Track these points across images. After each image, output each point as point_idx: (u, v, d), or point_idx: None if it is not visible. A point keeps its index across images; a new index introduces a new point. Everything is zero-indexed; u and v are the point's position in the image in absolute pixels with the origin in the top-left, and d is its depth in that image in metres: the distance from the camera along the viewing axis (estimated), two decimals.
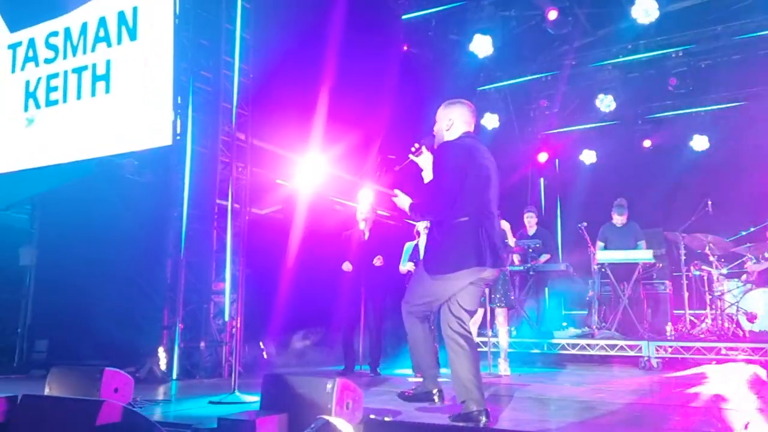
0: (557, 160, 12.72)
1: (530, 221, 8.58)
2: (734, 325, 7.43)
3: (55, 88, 6.84)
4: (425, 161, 3.74)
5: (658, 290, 8.64)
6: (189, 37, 6.51)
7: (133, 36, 6.38)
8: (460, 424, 3.36)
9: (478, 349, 6.17)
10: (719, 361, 6.73)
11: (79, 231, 6.97)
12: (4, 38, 7.32)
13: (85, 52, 6.69)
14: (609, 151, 11.56)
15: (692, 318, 7.91)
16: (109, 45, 6.54)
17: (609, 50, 9.66)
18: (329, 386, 3.02)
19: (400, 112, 8.37)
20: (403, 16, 9.22)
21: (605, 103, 10.20)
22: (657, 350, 6.88)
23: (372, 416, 3.49)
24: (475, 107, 3.79)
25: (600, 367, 7.39)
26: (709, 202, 7.70)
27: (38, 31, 7.06)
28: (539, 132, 12.07)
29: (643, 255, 7.62)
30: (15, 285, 7.61)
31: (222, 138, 6.64)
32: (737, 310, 7.51)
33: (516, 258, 8.02)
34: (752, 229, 8.05)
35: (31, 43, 7.10)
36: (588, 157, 11.89)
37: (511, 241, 6.44)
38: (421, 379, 3.89)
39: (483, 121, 10.85)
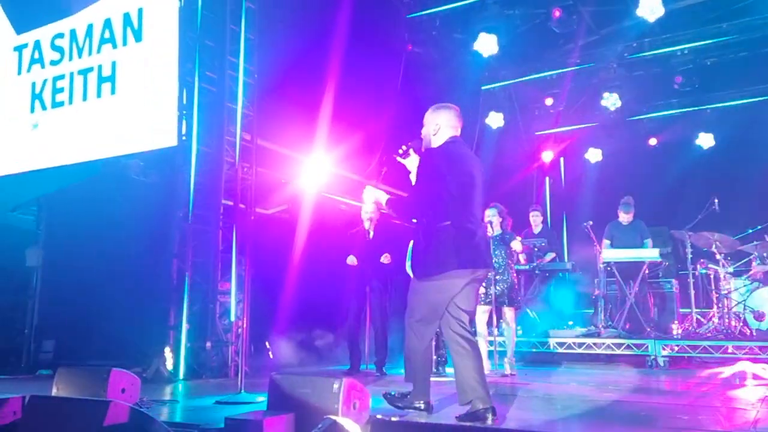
0: (562, 159, 12.71)
1: (535, 220, 8.56)
2: (741, 324, 7.39)
3: (61, 90, 6.87)
4: (412, 163, 3.82)
5: (664, 289, 8.61)
6: (194, 38, 6.52)
7: (138, 37, 6.40)
8: (468, 423, 3.36)
9: (488, 348, 6.21)
10: (726, 360, 6.70)
11: (86, 232, 6.99)
12: (11, 40, 7.35)
13: (90, 53, 6.71)
14: (614, 150, 11.54)
15: (699, 316, 7.87)
16: (115, 46, 6.57)
17: (614, 48, 9.63)
18: (336, 386, 3.02)
19: (405, 112, 8.36)
20: (408, 16, 9.21)
21: (610, 101, 10.18)
22: (663, 349, 6.86)
23: (379, 416, 3.49)
24: (460, 111, 3.86)
25: (606, 366, 7.37)
26: (716, 200, 7.66)
27: (44, 33, 7.09)
28: (544, 131, 12.05)
29: (649, 253, 7.60)
30: (22, 286, 7.65)
31: (227, 138, 6.65)
32: (744, 309, 7.48)
33: (521, 257, 8.00)
34: (759, 227, 8.01)
35: (37, 45, 7.13)
36: (593, 155, 11.87)
37: (518, 245, 6.44)
38: None
39: (488, 120, 10.85)
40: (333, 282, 6.97)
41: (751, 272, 7.75)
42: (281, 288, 7.28)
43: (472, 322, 3.70)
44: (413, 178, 3.80)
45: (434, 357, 5.93)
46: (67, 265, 7.20)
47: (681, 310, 8.39)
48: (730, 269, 7.80)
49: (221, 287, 6.49)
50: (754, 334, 7.22)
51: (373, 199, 3.87)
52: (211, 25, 6.70)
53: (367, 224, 6.70)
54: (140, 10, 6.44)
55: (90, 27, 6.75)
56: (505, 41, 8.79)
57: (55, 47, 7.00)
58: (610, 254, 7.72)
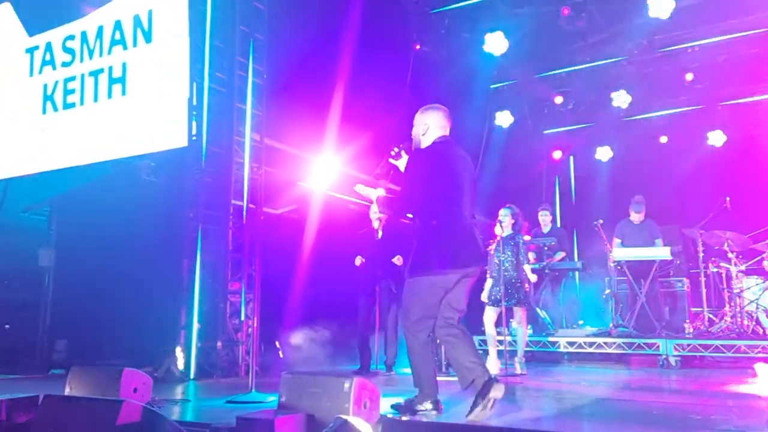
0: (572, 157, 12.66)
1: (545, 219, 8.53)
2: (754, 323, 7.34)
3: (72, 91, 6.92)
4: (404, 164, 3.89)
5: (675, 288, 8.56)
6: (203, 39, 6.54)
7: (148, 39, 6.43)
8: (478, 404, 3.42)
9: (498, 348, 6.21)
10: (739, 360, 6.65)
11: (97, 232, 7.04)
12: (23, 42, 7.41)
13: (101, 55, 6.75)
14: (625, 148, 11.48)
15: (711, 316, 7.82)
16: (125, 48, 6.60)
17: (624, 46, 9.57)
18: (347, 385, 3.03)
19: (414, 111, 8.34)
20: (416, 15, 9.20)
21: (621, 99, 10.13)
22: (675, 348, 6.81)
23: (389, 415, 3.50)
24: (449, 112, 3.94)
25: (617, 365, 7.34)
26: (728, 198, 7.60)
27: (55, 35, 7.14)
28: (554, 129, 12.01)
29: (660, 252, 7.55)
30: (34, 286, 7.71)
31: (236, 138, 6.68)
32: (757, 308, 7.42)
33: (531, 256, 7.97)
34: None
35: (49, 46, 7.19)
36: (603, 153, 11.81)
37: (531, 274, 6.44)
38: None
39: (497, 119, 10.82)
40: (342, 281, 6.98)
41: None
42: (291, 288, 7.30)
43: (461, 319, 3.73)
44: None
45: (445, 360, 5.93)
46: (78, 265, 7.26)
47: (692, 309, 8.34)
48: (742, 267, 7.74)
49: (231, 287, 6.52)
50: None
51: (364, 195, 3.99)
52: (220, 26, 6.73)
53: (376, 224, 6.71)
54: (150, 12, 6.47)
55: (100, 29, 6.79)
56: (514, 40, 8.76)
57: (66, 49, 7.04)
58: (620, 253, 7.68)
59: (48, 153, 7.03)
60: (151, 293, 6.48)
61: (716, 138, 10.66)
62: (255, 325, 5.22)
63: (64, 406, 3.13)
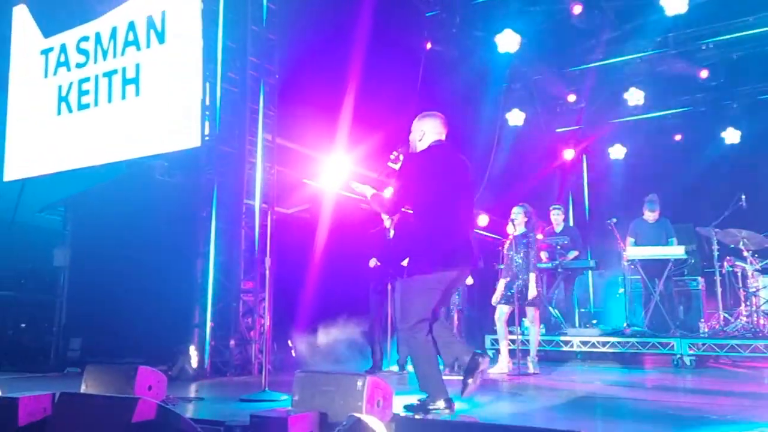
0: (585, 156, 12.58)
1: (557, 218, 8.48)
2: None
3: (87, 92, 6.98)
4: None
5: (689, 287, 8.48)
6: (216, 39, 6.57)
7: (161, 39, 6.48)
8: (468, 381, 3.63)
9: (510, 347, 6.19)
10: (755, 359, 6.58)
11: (111, 232, 7.10)
12: (38, 44, 7.49)
13: (115, 56, 6.81)
14: (638, 146, 11.40)
15: (726, 315, 7.74)
16: (139, 49, 6.65)
17: (637, 44, 9.50)
18: (360, 384, 3.03)
19: (425, 110, 8.33)
20: (427, 14, 9.19)
21: (634, 97, 10.06)
22: (690, 348, 6.76)
23: (402, 414, 3.50)
24: (446, 119, 4.03)
25: (631, 365, 7.29)
26: (743, 196, 7.52)
27: (70, 37, 7.21)
28: (567, 127, 11.94)
29: (675, 251, 7.49)
30: (49, 285, 7.79)
31: (249, 138, 6.70)
32: None
33: (544, 255, 7.95)
34: None
35: (63, 48, 7.25)
36: (617, 152, 11.74)
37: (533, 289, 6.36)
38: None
39: (509, 118, 10.78)
40: (354, 280, 6.99)
41: None
42: (303, 286, 7.32)
43: (446, 317, 3.78)
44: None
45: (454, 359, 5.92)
46: (93, 264, 7.32)
47: (707, 308, 8.26)
48: (758, 266, 7.65)
49: (244, 286, 6.55)
50: None
51: (359, 192, 4.09)
52: (232, 26, 6.75)
53: (387, 223, 6.71)
54: (163, 13, 6.51)
55: (114, 30, 6.85)
56: (527, 38, 8.73)
57: (80, 50, 7.11)
58: (634, 252, 7.63)
59: (63, 153, 7.10)
60: (165, 292, 6.52)
61: (731, 135, 10.55)
62: (268, 323, 5.24)
63: (80, 403, 3.16)
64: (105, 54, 6.90)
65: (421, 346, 3.70)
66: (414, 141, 4.02)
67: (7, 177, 7.52)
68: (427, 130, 3.96)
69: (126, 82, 6.68)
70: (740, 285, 7.76)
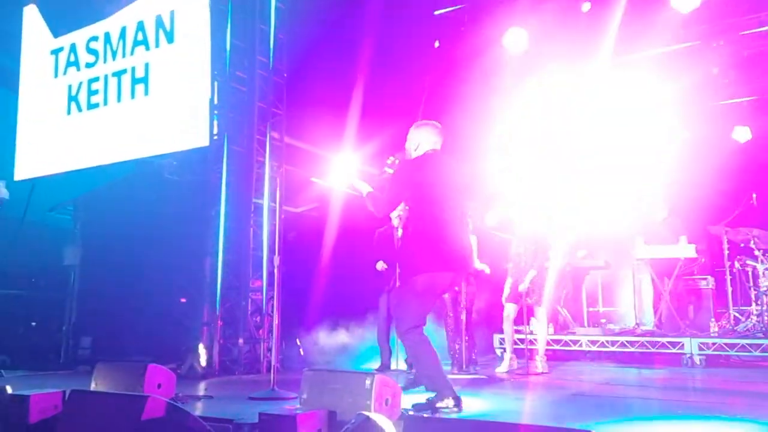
0: None
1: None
2: None
3: (96, 92, 7.02)
4: None
5: (700, 286, 8.42)
6: (224, 39, 6.59)
7: (170, 39, 6.51)
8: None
9: (518, 346, 6.17)
10: (766, 359, 6.53)
11: (121, 230, 7.14)
12: (48, 44, 7.53)
13: (124, 55, 6.84)
14: None
15: (737, 314, 7.68)
16: (148, 48, 6.68)
17: (647, 41, 9.42)
18: (368, 382, 3.03)
19: (434, 108, 8.33)
20: (435, 12, 9.17)
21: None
22: (700, 347, 6.71)
23: (411, 412, 3.50)
24: (441, 128, 4.11)
25: (641, 364, 7.24)
26: (754, 195, 7.46)
27: (79, 36, 7.26)
28: None
29: (684, 250, 7.44)
30: (60, 284, 7.85)
31: (257, 137, 6.72)
32: None
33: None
34: None
35: (73, 48, 7.30)
36: None
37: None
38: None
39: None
40: (362, 279, 6.99)
41: None
42: (311, 285, 7.33)
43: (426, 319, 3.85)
44: None
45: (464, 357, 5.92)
46: (103, 263, 7.37)
47: (718, 307, 8.20)
48: None
49: (253, 284, 6.57)
50: None
51: (358, 189, 4.16)
52: (241, 26, 6.78)
53: (395, 222, 6.70)
54: (172, 13, 6.54)
55: (123, 30, 6.88)
56: (535, 36, 8.69)
57: (89, 50, 7.15)
58: (644, 251, 7.58)
59: (72, 153, 7.14)
60: (174, 291, 6.56)
61: (741, 133, 10.46)
62: (276, 322, 5.26)
63: (90, 400, 3.18)
64: (114, 54, 6.93)
65: (418, 348, 3.73)
66: (409, 150, 4.08)
67: (18, 176, 7.58)
68: (422, 140, 4.03)
69: (135, 81, 6.71)
70: (751, 284, 7.69)
